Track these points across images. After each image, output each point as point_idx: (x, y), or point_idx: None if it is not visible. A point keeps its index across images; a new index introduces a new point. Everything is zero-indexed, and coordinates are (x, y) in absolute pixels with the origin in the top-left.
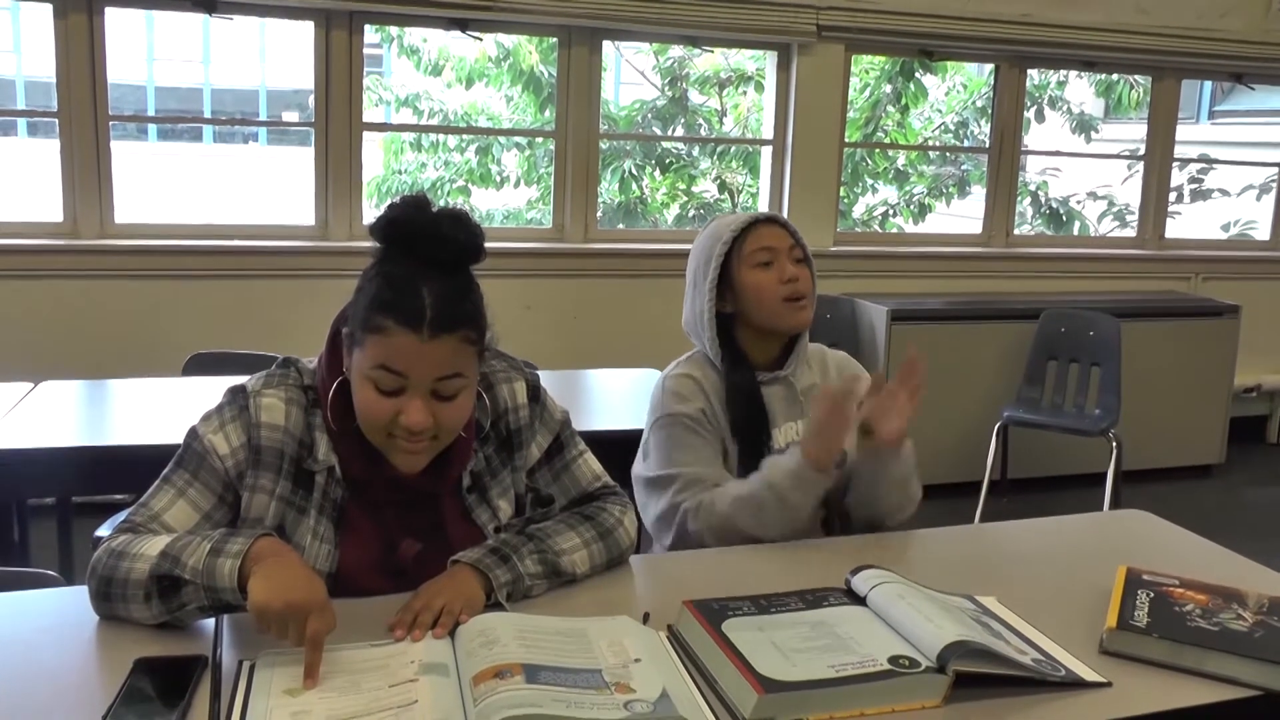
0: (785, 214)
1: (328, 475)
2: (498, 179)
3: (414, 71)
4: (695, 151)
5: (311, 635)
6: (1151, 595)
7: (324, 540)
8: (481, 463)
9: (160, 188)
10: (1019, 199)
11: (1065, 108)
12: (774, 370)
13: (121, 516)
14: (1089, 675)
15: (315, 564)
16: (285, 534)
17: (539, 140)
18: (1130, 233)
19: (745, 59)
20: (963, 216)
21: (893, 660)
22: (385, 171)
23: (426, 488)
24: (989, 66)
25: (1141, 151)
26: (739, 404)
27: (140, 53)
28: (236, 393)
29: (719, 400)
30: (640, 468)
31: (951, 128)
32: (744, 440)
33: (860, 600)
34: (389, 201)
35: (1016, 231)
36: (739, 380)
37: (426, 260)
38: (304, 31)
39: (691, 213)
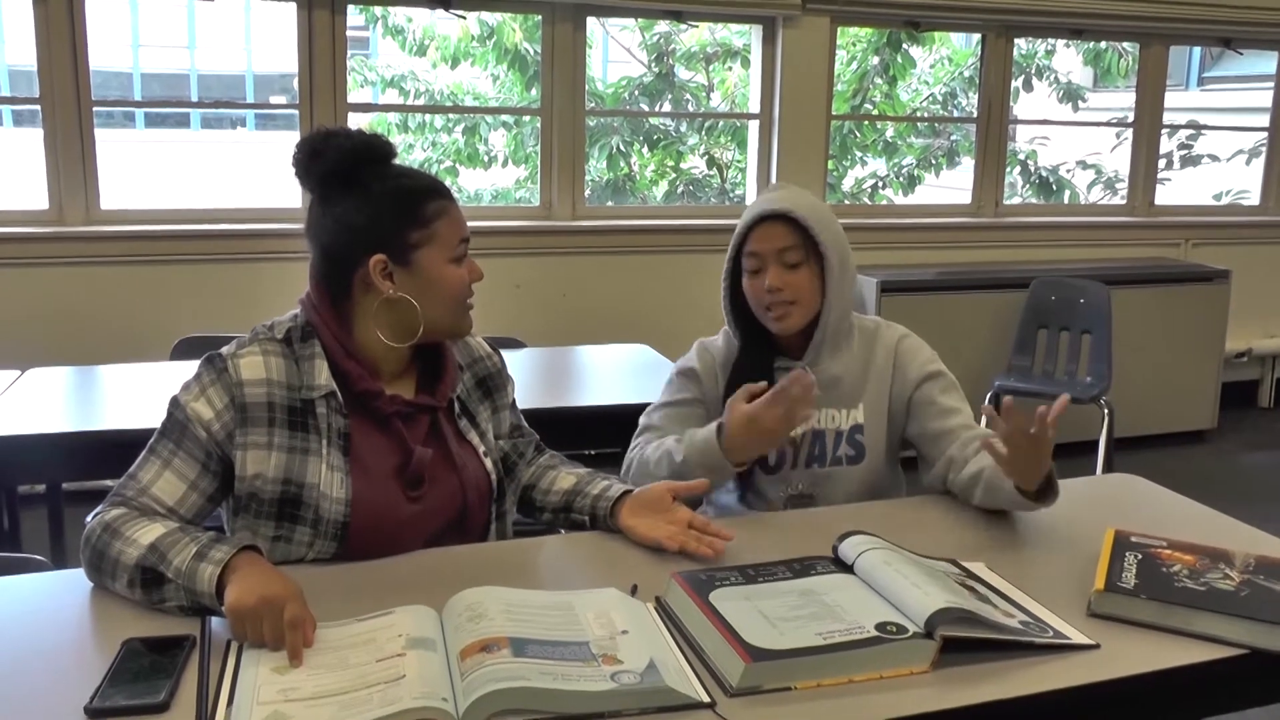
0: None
1: (328, 406)
2: (485, 159)
3: (399, 52)
4: (683, 127)
5: (290, 619)
6: (1139, 557)
7: (335, 469)
8: (465, 391)
9: (148, 174)
10: (1008, 169)
11: (1053, 77)
12: (799, 355)
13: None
14: (1077, 637)
15: (331, 493)
16: (295, 483)
17: (526, 119)
18: (1120, 200)
19: (731, 33)
20: (952, 188)
21: (880, 627)
22: None
23: (426, 401)
24: (976, 36)
25: (1130, 119)
26: (740, 382)
27: (125, 39)
28: (213, 359)
29: (725, 369)
30: None
31: (939, 99)
32: None
33: (848, 568)
34: (313, 149)
35: (1006, 201)
36: (749, 362)
37: (381, 158)
38: (287, 13)
39: (680, 189)
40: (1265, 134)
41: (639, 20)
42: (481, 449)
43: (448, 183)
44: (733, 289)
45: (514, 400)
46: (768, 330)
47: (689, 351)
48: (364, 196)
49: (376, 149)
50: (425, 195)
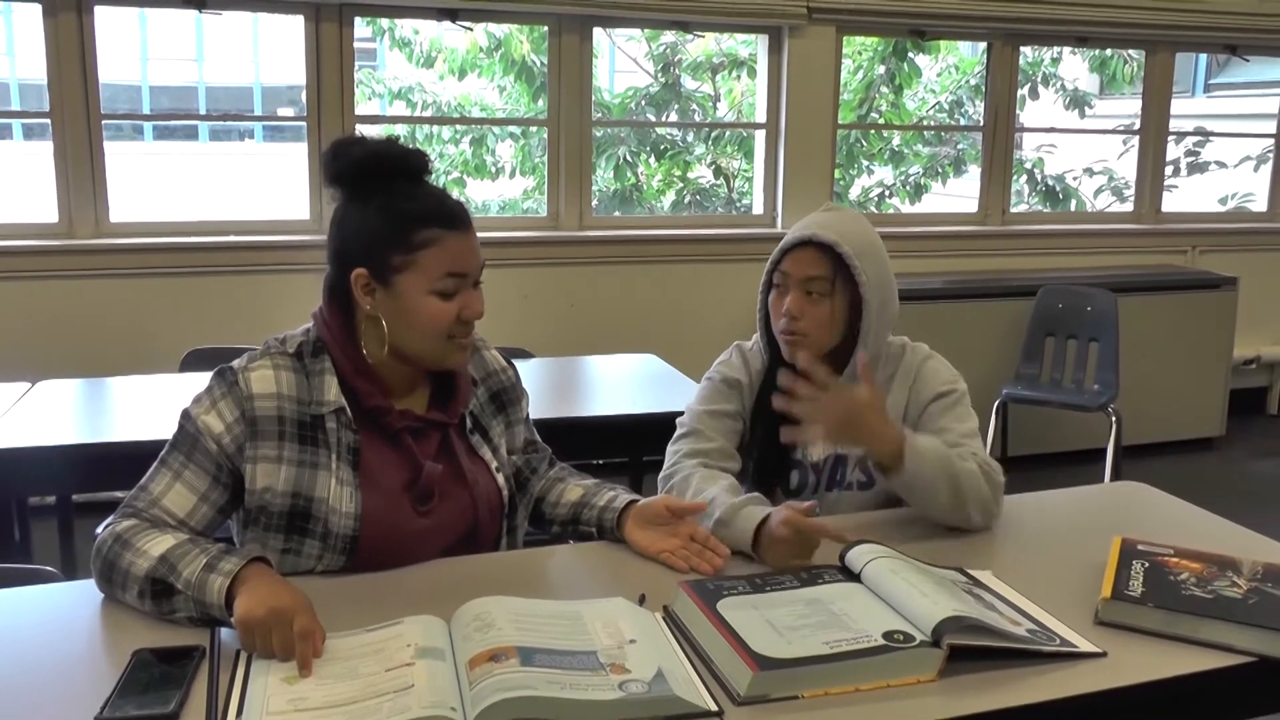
0: (780, 198)
1: (338, 421)
2: (492, 169)
3: (406, 64)
4: (690, 137)
5: (299, 630)
6: (1146, 565)
7: (345, 483)
8: (478, 406)
9: (157, 187)
10: (1015, 177)
11: (1059, 84)
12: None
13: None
14: (1084, 645)
15: (340, 507)
16: (305, 496)
17: (533, 129)
18: (1127, 207)
19: (737, 43)
20: (959, 196)
21: (887, 636)
22: None
23: (438, 418)
24: (982, 45)
25: (1137, 126)
26: (766, 413)
27: (134, 52)
28: (224, 372)
29: (754, 388)
30: None
31: (946, 107)
32: (763, 440)
33: (855, 576)
34: (332, 152)
35: (1013, 209)
36: (774, 389)
37: (407, 175)
38: (295, 26)
39: (687, 199)
40: (1272, 140)
41: (645, 31)
42: (493, 464)
43: (455, 194)
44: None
45: (528, 414)
46: None
47: (730, 355)
48: (364, 208)
49: (391, 162)
50: (419, 221)
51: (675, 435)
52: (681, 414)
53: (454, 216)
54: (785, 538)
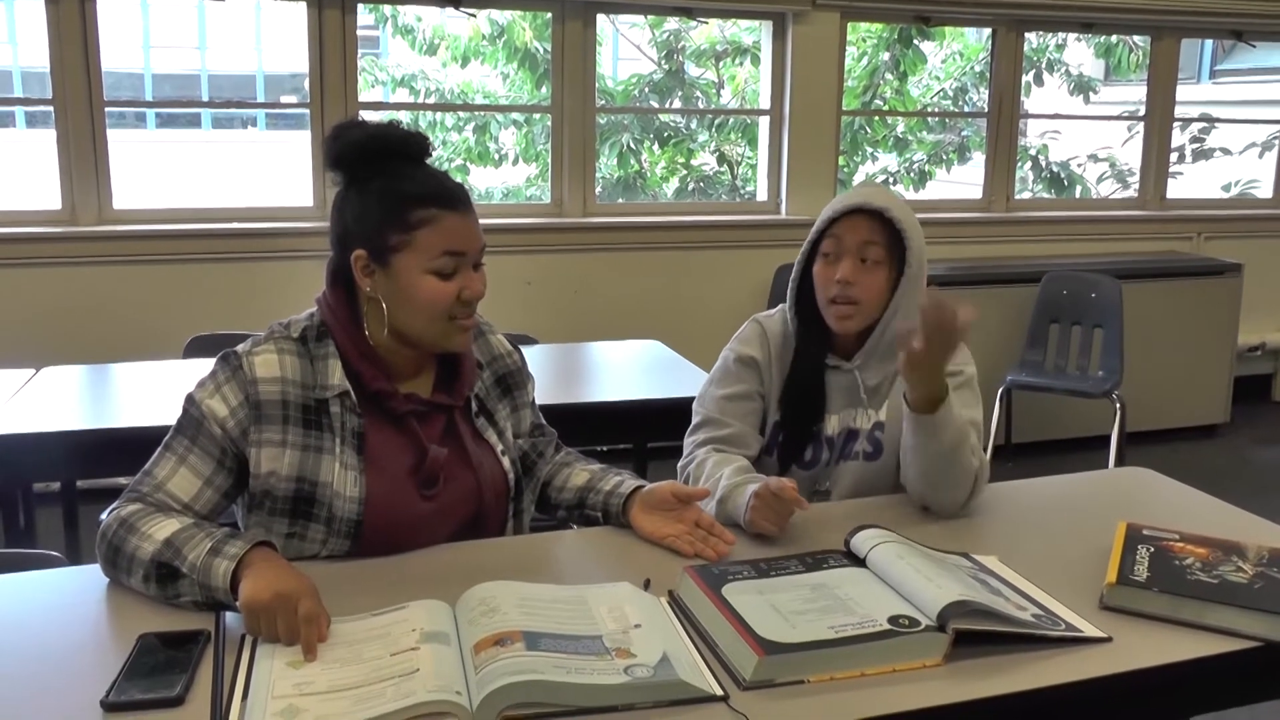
0: (784, 184)
1: (342, 405)
2: (496, 157)
3: (409, 51)
4: (693, 124)
5: (304, 615)
6: (1151, 550)
7: (349, 467)
8: (483, 389)
9: (160, 174)
10: (1019, 163)
11: (1064, 70)
12: (850, 355)
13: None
14: (1089, 630)
15: (345, 492)
16: (309, 481)
17: (536, 116)
18: (1132, 194)
19: (741, 30)
20: (963, 183)
21: (893, 620)
22: None
23: (443, 401)
24: (986, 31)
25: (1142, 112)
26: (795, 387)
27: (136, 40)
28: (229, 356)
29: (780, 362)
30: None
31: (950, 94)
32: (790, 416)
33: (860, 561)
34: (333, 134)
35: (1017, 196)
36: (802, 364)
37: (406, 157)
38: (298, 13)
39: (691, 186)
40: (1278, 126)
41: (649, 17)
42: (499, 448)
43: (459, 180)
44: (800, 278)
45: (534, 399)
46: (823, 325)
47: (746, 330)
48: (364, 190)
49: (392, 145)
50: (416, 200)
51: (691, 425)
52: (688, 400)
53: (452, 196)
54: (763, 494)
